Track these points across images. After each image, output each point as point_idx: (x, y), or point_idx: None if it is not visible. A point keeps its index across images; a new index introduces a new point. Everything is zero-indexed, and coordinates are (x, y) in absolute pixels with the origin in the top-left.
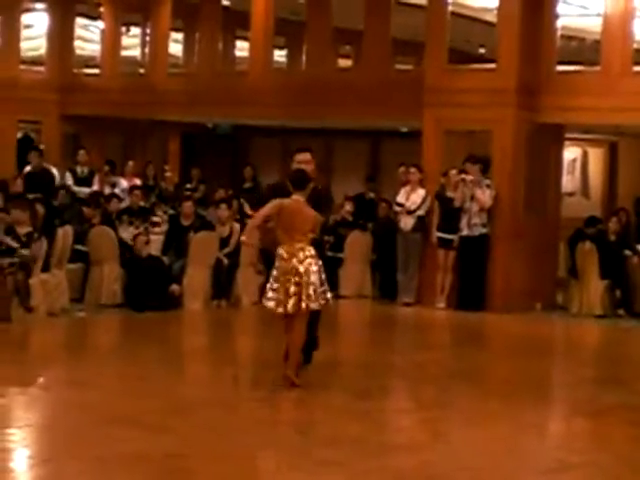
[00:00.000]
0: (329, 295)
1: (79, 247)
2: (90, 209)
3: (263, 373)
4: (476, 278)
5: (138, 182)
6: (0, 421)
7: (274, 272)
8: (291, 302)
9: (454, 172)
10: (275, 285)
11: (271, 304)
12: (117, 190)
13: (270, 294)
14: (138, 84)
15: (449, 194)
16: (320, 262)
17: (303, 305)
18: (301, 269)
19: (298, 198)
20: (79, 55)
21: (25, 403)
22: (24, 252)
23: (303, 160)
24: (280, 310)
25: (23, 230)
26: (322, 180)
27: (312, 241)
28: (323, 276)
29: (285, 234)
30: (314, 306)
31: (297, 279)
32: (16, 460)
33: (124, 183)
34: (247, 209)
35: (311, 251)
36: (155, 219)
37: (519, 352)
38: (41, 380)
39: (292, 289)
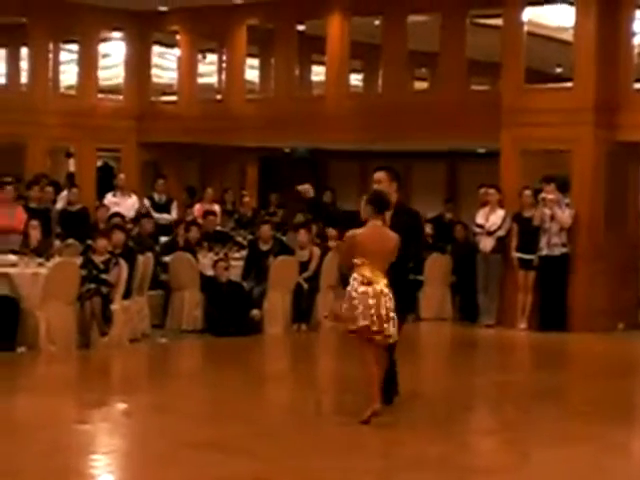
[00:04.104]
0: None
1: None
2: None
3: (345, 396)
4: (557, 298)
5: (217, 208)
6: (84, 447)
7: (354, 294)
8: (389, 326)
9: (528, 192)
10: (355, 303)
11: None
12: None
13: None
14: (215, 110)
15: (526, 214)
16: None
17: (383, 335)
18: (383, 299)
19: (375, 223)
20: (156, 83)
21: (108, 429)
22: (104, 276)
23: (377, 179)
24: (375, 328)
25: (101, 258)
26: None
27: (395, 264)
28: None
29: (365, 260)
30: (394, 339)
31: (379, 308)
32: None
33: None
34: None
35: (386, 281)
36: (239, 239)
37: (602, 372)
38: (124, 406)
39: (382, 312)
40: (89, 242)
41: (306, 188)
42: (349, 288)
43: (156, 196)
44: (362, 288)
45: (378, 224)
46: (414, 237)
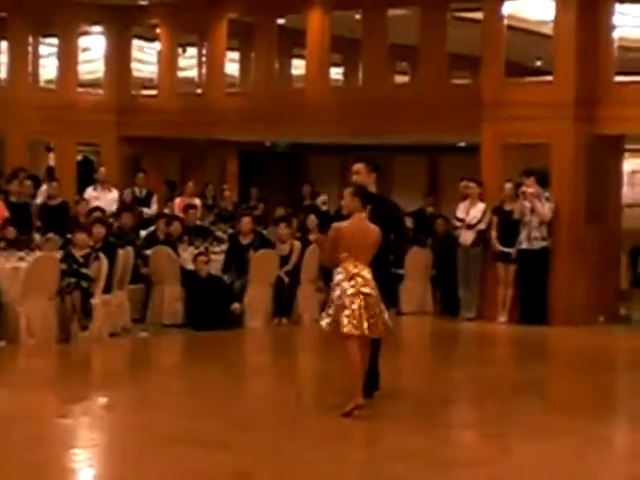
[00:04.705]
0: (390, 322)
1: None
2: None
3: (326, 390)
4: (537, 292)
5: (197, 202)
6: (64, 441)
7: (334, 290)
8: (365, 324)
9: (509, 185)
10: (340, 303)
11: (339, 326)
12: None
13: (337, 314)
14: (195, 104)
15: (507, 207)
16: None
17: (367, 328)
18: (368, 290)
19: (359, 216)
20: (136, 77)
21: (89, 423)
22: (84, 270)
23: (355, 170)
24: (356, 332)
25: (81, 252)
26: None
27: (377, 257)
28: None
29: (349, 253)
30: (379, 333)
31: (367, 300)
32: None
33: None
34: (312, 232)
35: (370, 274)
36: (219, 234)
37: (583, 365)
38: (104, 400)
39: (362, 310)
40: (68, 236)
41: None
42: (334, 283)
43: (136, 190)
44: (345, 284)
45: (362, 217)
46: (394, 229)
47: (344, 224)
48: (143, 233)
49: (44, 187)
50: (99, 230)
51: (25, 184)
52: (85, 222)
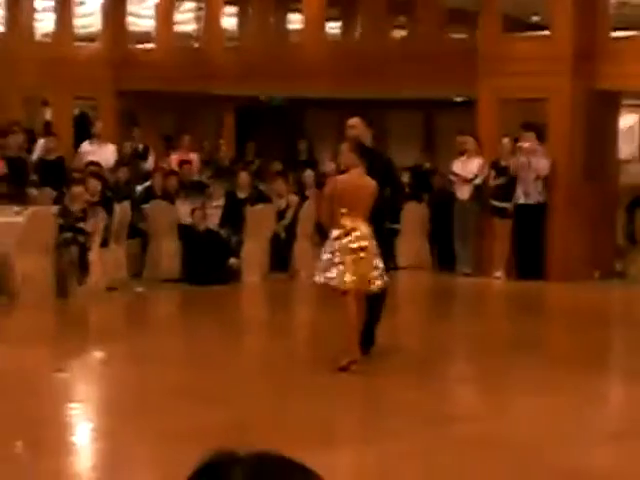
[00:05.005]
0: (386, 278)
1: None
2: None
3: (322, 345)
4: (534, 247)
5: (194, 157)
6: (61, 396)
7: (331, 245)
8: (361, 279)
9: (507, 140)
10: (337, 260)
11: (335, 281)
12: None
13: (333, 269)
14: (192, 58)
15: (504, 162)
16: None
17: (364, 283)
18: (365, 244)
19: (356, 171)
20: (133, 31)
21: (86, 378)
22: (81, 225)
23: (351, 125)
24: (351, 287)
25: (78, 207)
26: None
27: (373, 213)
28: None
29: (345, 208)
30: (375, 288)
31: (363, 255)
32: (78, 434)
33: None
34: (309, 187)
35: (369, 229)
36: (210, 190)
37: (579, 321)
38: (101, 355)
39: (358, 265)
40: (63, 189)
41: None
42: (330, 238)
43: (136, 144)
44: (342, 239)
45: (359, 171)
46: (390, 183)
47: (341, 178)
48: (139, 188)
49: (41, 141)
50: (94, 184)
51: (15, 137)
52: (80, 176)
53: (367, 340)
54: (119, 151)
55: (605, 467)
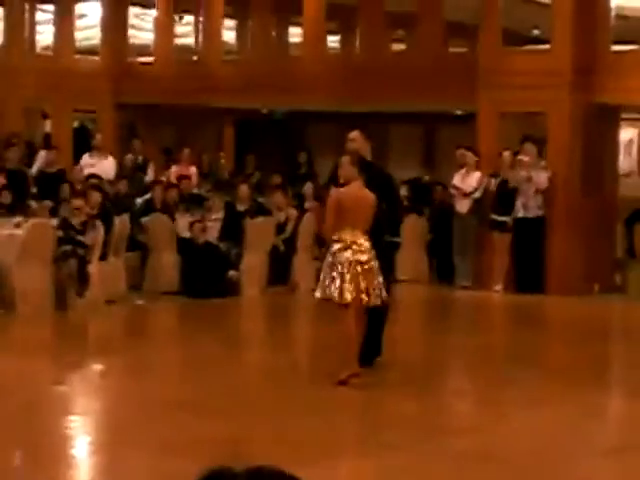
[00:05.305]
0: (384, 293)
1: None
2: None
3: (322, 358)
4: (533, 260)
5: (193, 170)
6: (61, 408)
7: (330, 259)
8: (360, 293)
9: (507, 154)
10: (336, 273)
11: (334, 295)
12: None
13: (332, 283)
14: (192, 71)
15: (503, 176)
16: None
17: (364, 297)
18: (365, 258)
19: (356, 184)
20: (133, 44)
21: (85, 390)
22: (80, 238)
23: (351, 138)
24: (351, 301)
25: (78, 219)
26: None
27: (372, 226)
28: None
29: (345, 221)
30: (376, 301)
31: (362, 268)
32: (77, 447)
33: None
34: (308, 199)
35: (369, 242)
36: (212, 202)
37: (578, 334)
38: (100, 368)
39: (358, 279)
40: (60, 201)
41: None
42: (330, 252)
43: (132, 157)
44: (342, 253)
45: (359, 184)
46: (388, 198)
47: (342, 190)
48: (139, 200)
49: (42, 154)
50: (95, 197)
51: (14, 150)
52: (81, 189)
53: (372, 351)
54: (119, 164)
55: None
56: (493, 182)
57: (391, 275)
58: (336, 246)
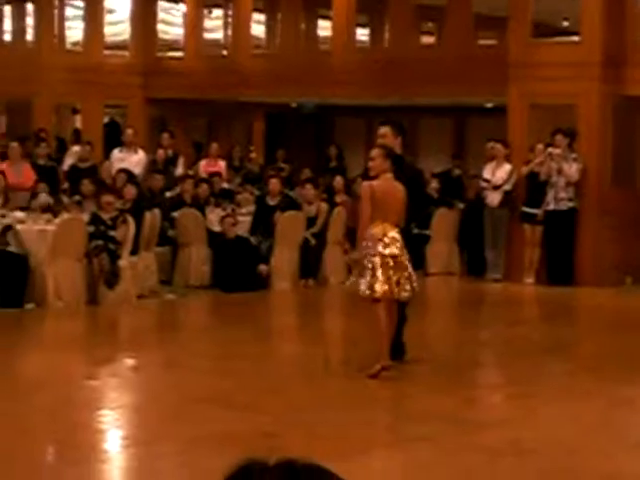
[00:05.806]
0: (415, 284)
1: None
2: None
3: (353, 351)
4: (564, 253)
5: (222, 164)
6: (93, 403)
7: (366, 252)
8: (392, 286)
9: (540, 146)
10: (368, 267)
11: (365, 288)
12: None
13: (363, 277)
14: (221, 66)
15: (535, 168)
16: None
17: (396, 290)
18: (396, 251)
19: (387, 176)
20: (162, 39)
21: (117, 385)
22: (111, 233)
23: (381, 134)
24: (383, 294)
25: (108, 215)
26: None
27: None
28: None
29: (376, 214)
30: (406, 295)
31: (394, 261)
32: (109, 441)
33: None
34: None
35: (399, 235)
36: (245, 195)
37: (611, 326)
38: (132, 362)
39: (390, 272)
40: (84, 196)
41: None
42: (362, 246)
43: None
44: (374, 246)
45: (390, 177)
46: (416, 193)
47: (375, 182)
48: (168, 195)
49: (74, 149)
50: (130, 191)
51: (42, 146)
52: (111, 184)
53: (400, 345)
54: (150, 158)
55: (636, 474)
56: (524, 169)
57: (420, 268)
58: (368, 239)
